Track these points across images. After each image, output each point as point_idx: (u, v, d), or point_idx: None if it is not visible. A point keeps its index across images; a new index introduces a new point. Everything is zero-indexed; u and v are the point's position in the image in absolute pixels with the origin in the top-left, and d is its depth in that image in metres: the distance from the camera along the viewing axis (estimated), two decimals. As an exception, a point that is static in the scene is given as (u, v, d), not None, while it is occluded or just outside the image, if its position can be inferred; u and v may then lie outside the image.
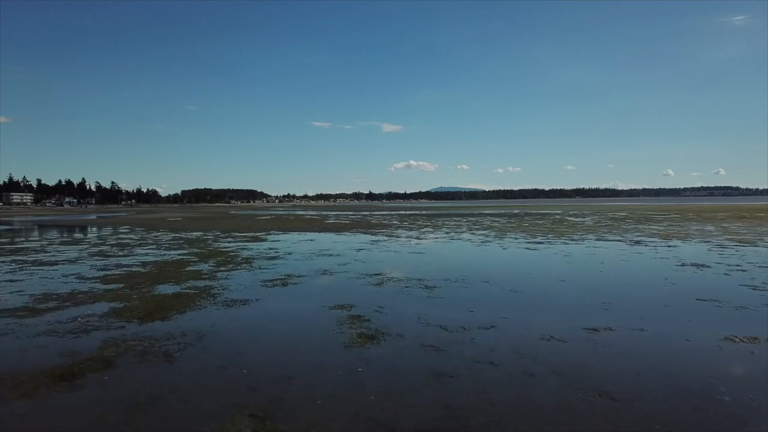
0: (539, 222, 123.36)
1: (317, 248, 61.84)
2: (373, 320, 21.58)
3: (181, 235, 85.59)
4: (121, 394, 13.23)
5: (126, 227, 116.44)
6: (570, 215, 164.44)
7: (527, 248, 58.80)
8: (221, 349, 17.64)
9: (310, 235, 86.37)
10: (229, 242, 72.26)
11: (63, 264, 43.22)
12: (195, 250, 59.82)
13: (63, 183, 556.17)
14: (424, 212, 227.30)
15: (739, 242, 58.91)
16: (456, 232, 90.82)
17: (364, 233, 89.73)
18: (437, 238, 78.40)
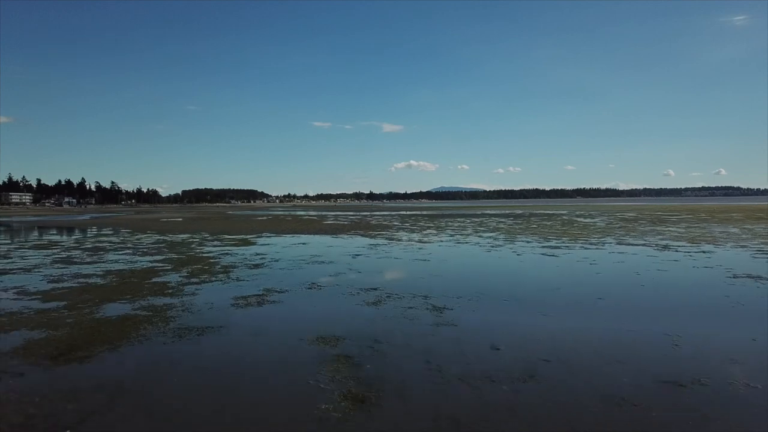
0: (547, 223, 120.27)
1: (309, 254, 58.13)
2: (366, 364, 17.14)
3: (166, 238, 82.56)
4: None
5: (113, 229, 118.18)
6: (577, 216, 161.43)
7: (544, 254, 54.59)
8: (133, 422, 12.88)
9: (304, 238, 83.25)
10: (215, 246, 69.02)
11: (14, 273, 40.88)
12: (173, 255, 56.59)
13: (63, 183, 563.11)
14: (425, 212, 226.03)
15: (779, 246, 51.99)
16: (461, 235, 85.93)
17: (363, 236, 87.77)
18: (442, 241, 74.84)
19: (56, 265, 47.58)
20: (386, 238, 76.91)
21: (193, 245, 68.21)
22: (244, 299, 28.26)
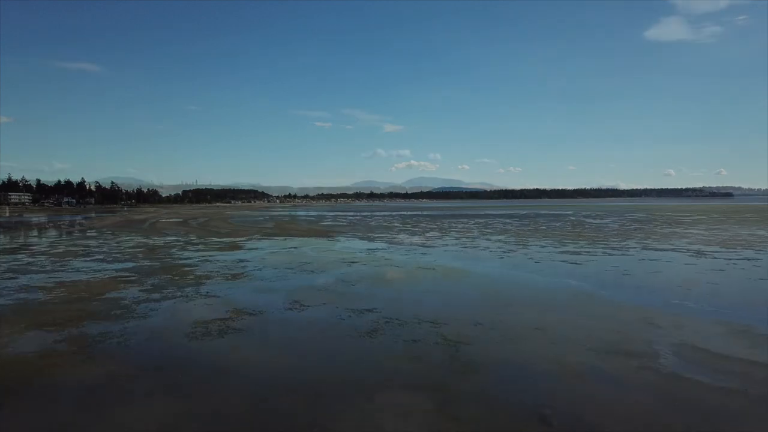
0: (556, 224, 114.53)
1: (298, 261, 52.18)
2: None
3: (147, 241, 76.69)
4: None
5: (98, 230, 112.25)
6: (585, 216, 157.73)
7: (565, 261, 48.81)
8: None
9: (296, 241, 78.76)
10: (196, 251, 62.69)
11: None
12: (145, 263, 51.55)
13: (62, 183, 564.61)
14: (427, 213, 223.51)
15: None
16: (468, 238, 78.87)
17: (361, 238, 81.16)
18: (447, 245, 66.90)
19: (5, 275, 42.31)
20: (386, 242, 70.92)
21: (173, 250, 62.61)
22: (203, 326, 25.36)
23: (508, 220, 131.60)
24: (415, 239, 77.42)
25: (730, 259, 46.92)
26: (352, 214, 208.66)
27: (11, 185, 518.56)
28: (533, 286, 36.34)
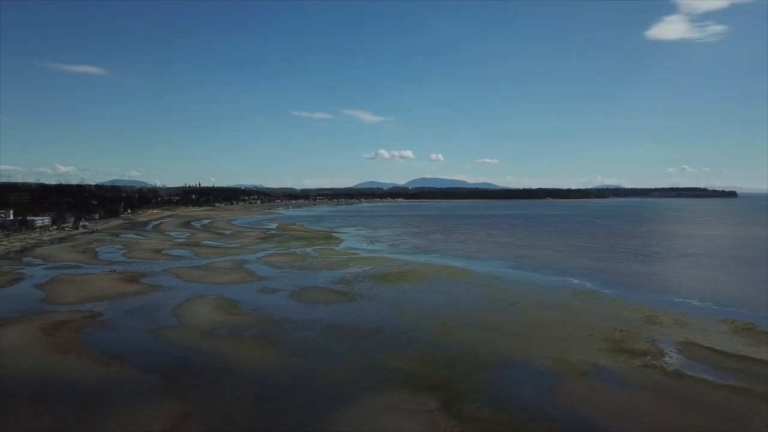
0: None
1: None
2: None
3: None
4: None
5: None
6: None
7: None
8: None
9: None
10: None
11: None
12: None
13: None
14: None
15: None
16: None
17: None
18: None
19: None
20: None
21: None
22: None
23: (514, 221, 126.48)
24: (419, 242, 73.86)
25: None
26: (353, 214, 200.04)
27: (10, 187, 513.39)
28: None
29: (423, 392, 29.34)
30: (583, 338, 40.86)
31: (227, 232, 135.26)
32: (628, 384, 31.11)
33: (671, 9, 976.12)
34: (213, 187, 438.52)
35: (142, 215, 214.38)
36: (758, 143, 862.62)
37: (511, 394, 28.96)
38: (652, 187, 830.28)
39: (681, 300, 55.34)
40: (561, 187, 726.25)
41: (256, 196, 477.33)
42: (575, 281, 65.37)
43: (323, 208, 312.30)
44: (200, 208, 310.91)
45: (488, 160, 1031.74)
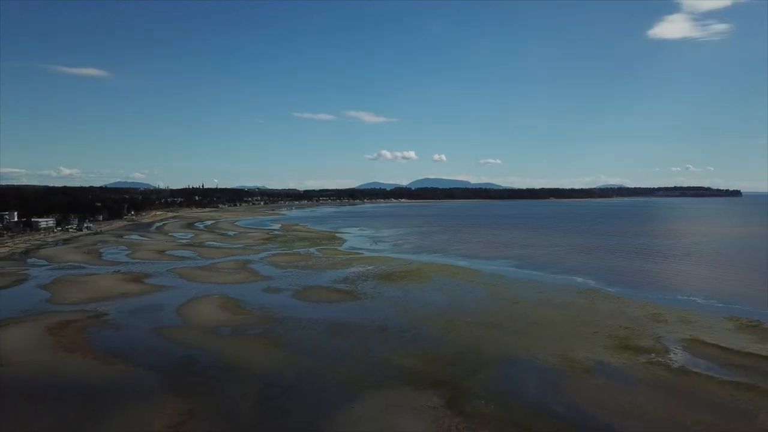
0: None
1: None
2: None
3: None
4: None
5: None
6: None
7: None
8: None
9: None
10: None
11: None
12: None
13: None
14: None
15: None
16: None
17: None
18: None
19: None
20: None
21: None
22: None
23: (517, 220, 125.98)
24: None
25: None
26: (356, 215, 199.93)
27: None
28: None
29: (427, 389, 29.39)
30: (588, 336, 40.76)
31: (231, 233, 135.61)
32: (632, 381, 31.03)
33: (673, 8, 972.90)
34: (216, 188, 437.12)
35: (146, 217, 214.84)
36: (761, 142, 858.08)
37: (516, 391, 28.92)
38: (656, 186, 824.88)
39: (685, 298, 55.40)
40: (564, 187, 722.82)
41: (259, 197, 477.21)
42: (579, 280, 65.49)
43: (326, 209, 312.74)
44: (204, 210, 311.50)
45: (491, 161, 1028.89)
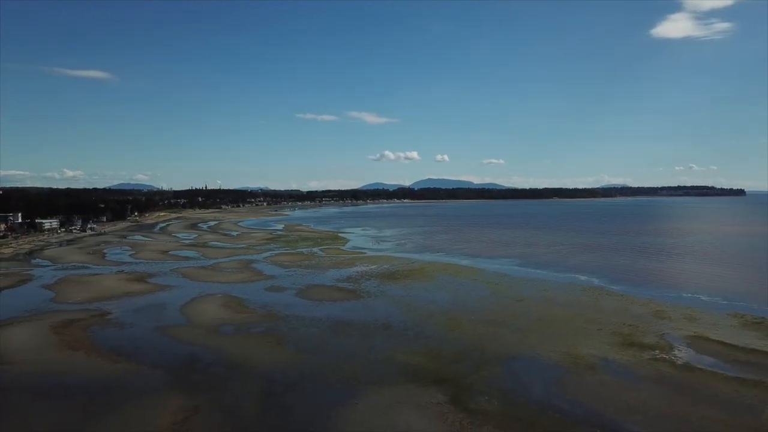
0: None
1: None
2: None
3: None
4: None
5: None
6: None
7: None
8: None
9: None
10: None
11: None
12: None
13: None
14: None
15: None
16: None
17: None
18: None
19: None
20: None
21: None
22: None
23: (520, 220, 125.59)
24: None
25: None
26: (359, 215, 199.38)
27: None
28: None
29: (431, 386, 29.39)
30: (592, 333, 40.65)
31: (234, 233, 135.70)
32: (637, 377, 30.95)
33: (676, 7, 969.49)
34: (219, 189, 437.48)
35: (149, 218, 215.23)
36: (765, 141, 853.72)
37: (520, 387, 28.86)
38: (659, 185, 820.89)
39: (689, 295, 55.19)
40: (567, 187, 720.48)
41: (262, 198, 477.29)
42: (583, 278, 65.38)
43: (329, 210, 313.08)
44: (207, 211, 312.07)
45: (494, 161, 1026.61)
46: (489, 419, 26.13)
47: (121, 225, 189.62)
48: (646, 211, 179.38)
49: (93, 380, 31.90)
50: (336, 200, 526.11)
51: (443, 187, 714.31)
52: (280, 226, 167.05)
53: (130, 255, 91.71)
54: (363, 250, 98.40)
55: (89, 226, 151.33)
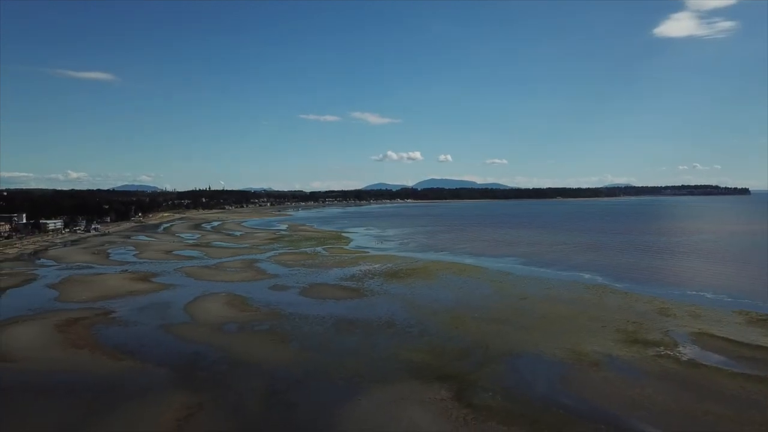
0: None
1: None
2: None
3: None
4: None
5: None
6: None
7: None
8: None
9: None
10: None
11: None
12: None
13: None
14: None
15: None
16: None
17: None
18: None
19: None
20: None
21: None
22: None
23: (524, 219, 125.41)
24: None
25: None
26: (362, 215, 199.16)
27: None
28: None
29: (434, 383, 29.23)
30: (596, 330, 40.19)
31: (237, 233, 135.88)
32: (641, 373, 30.81)
33: (679, 6, 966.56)
34: (223, 190, 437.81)
35: (153, 218, 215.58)
36: (766, 141, 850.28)
37: (524, 384, 28.81)
38: (663, 185, 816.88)
39: (694, 293, 55.02)
40: (571, 187, 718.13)
41: (265, 199, 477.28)
42: (586, 276, 65.32)
43: (333, 210, 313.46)
44: (210, 211, 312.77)
45: (497, 161, 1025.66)
46: (493, 415, 26.15)
47: (125, 225, 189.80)
48: (649, 211, 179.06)
49: (97, 378, 32.07)
50: (339, 200, 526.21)
51: (446, 187, 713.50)
52: (284, 226, 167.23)
53: (134, 255, 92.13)
54: (366, 250, 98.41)
55: (93, 226, 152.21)
